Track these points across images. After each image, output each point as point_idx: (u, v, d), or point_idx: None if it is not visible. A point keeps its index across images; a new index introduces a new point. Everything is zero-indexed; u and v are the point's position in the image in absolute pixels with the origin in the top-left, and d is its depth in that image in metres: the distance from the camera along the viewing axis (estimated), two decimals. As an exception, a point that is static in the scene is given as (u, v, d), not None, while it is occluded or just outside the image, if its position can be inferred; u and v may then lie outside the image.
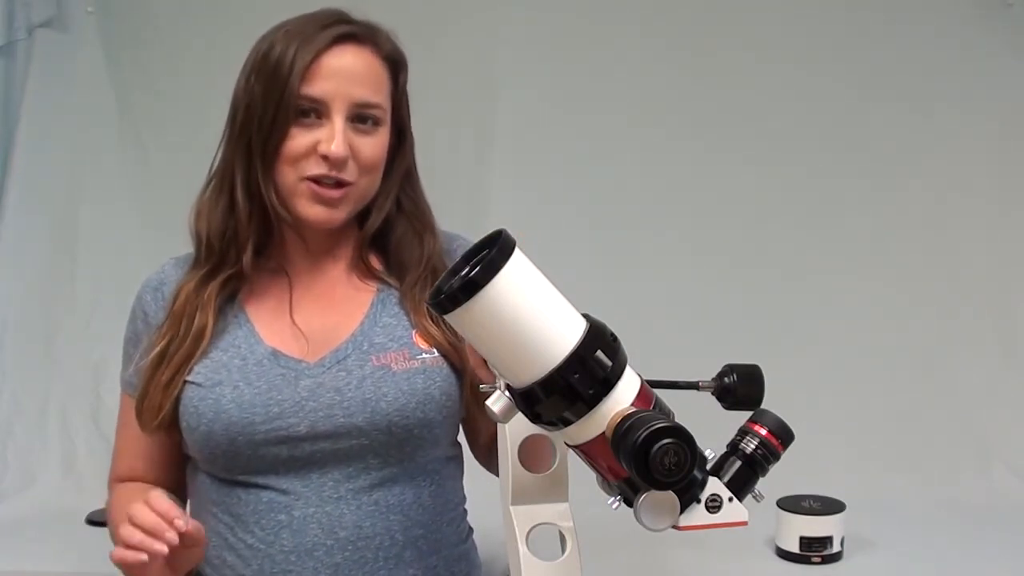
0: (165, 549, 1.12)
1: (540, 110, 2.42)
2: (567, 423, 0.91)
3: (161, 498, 1.15)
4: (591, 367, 0.89)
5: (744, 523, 0.97)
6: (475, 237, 0.97)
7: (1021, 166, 2.38)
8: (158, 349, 1.29)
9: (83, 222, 2.42)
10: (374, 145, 1.29)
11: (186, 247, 1.37)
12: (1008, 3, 2.38)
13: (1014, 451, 2.22)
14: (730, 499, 0.96)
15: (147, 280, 1.38)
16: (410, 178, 1.37)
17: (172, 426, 1.29)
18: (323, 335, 1.30)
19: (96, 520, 2.04)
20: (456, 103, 2.37)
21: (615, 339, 0.93)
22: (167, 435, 1.31)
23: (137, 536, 1.12)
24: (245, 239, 1.30)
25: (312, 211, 1.27)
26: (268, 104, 1.24)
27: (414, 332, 1.30)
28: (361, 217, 1.36)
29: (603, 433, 0.91)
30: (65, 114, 2.43)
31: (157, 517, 1.12)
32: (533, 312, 0.89)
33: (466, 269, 0.89)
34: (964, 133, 2.38)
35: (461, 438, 1.40)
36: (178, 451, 1.35)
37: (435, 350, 1.29)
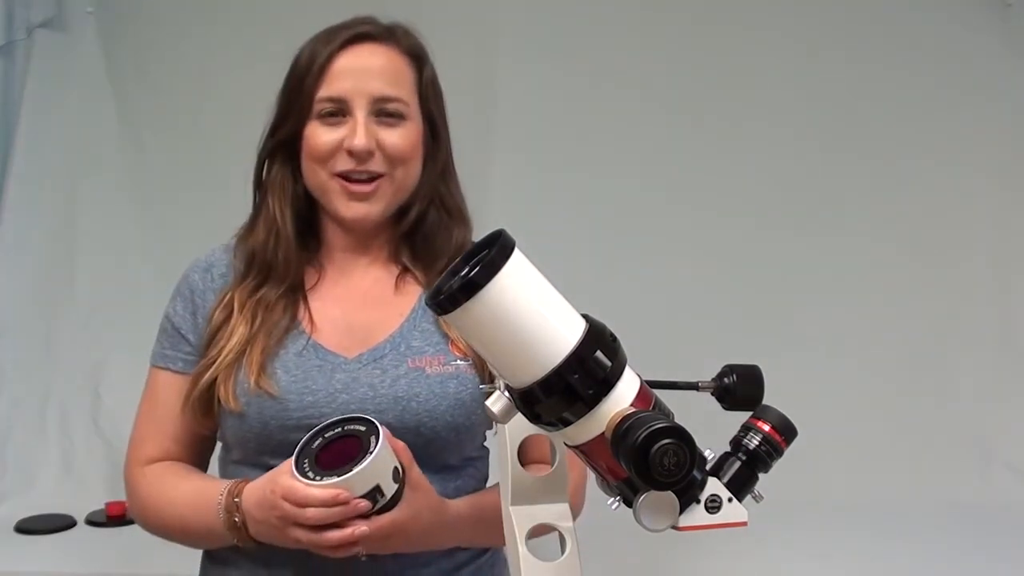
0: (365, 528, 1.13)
1: (540, 110, 2.42)
2: (567, 423, 0.91)
3: (296, 488, 1.12)
4: (591, 367, 0.89)
5: (744, 523, 0.97)
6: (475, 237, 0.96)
7: (1021, 166, 2.38)
8: (235, 348, 1.28)
9: (83, 222, 2.41)
10: (400, 136, 1.30)
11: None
12: (1008, 3, 2.39)
13: (1014, 451, 2.22)
14: (730, 499, 0.96)
15: (195, 261, 1.37)
16: (447, 173, 1.38)
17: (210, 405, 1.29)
18: (362, 332, 1.31)
19: (96, 520, 2.04)
20: (456, 102, 2.36)
21: (615, 339, 0.92)
22: (203, 413, 1.30)
23: (339, 534, 1.13)
24: (292, 251, 1.31)
25: (349, 209, 1.30)
26: (292, 108, 1.30)
27: (450, 341, 1.31)
28: (401, 215, 1.36)
29: (603, 433, 0.90)
30: (65, 114, 2.43)
31: (327, 510, 1.12)
32: (532, 312, 0.89)
33: (466, 269, 0.89)
34: (964, 133, 2.39)
35: (490, 443, 1.39)
36: (209, 435, 1.34)
37: (469, 359, 1.30)
